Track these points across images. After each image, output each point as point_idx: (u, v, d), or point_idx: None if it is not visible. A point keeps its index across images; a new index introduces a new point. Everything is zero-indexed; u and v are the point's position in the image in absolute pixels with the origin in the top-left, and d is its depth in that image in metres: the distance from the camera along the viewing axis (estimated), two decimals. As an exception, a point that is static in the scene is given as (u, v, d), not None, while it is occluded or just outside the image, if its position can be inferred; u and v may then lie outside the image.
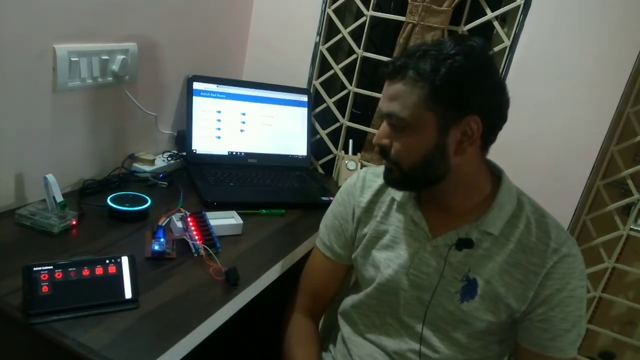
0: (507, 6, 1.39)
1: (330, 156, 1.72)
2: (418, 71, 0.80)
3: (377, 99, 0.99)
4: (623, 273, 1.49)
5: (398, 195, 0.96)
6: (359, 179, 1.03)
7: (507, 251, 0.87)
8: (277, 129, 1.60)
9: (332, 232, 1.04)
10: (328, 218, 1.06)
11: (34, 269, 0.80)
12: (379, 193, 1.00)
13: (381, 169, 0.95)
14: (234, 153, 1.52)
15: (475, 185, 0.89)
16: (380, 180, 0.99)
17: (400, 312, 0.94)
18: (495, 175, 0.92)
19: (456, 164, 0.84)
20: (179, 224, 1.06)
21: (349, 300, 1.04)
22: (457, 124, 0.81)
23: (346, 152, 1.63)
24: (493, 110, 0.83)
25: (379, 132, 0.88)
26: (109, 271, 0.85)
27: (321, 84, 1.67)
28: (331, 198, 1.27)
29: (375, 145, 0.89)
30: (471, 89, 0.80)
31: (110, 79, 1.23)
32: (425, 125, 0.81)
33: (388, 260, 0.94)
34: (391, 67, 0.83)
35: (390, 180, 0.91)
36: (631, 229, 1.41)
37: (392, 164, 0.87)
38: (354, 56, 1.59)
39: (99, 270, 0.84)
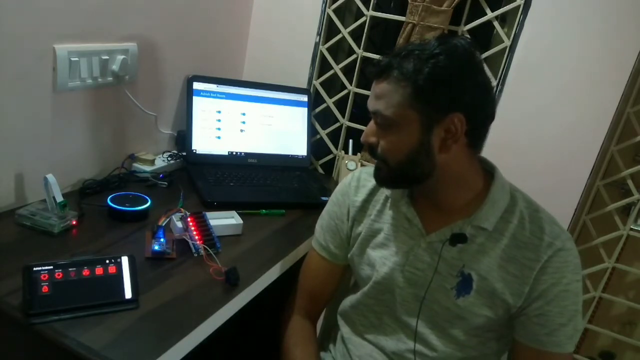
0: (507, 6, 1.39)
1: (330, 156, 1.72)
2: (401, 71, 0.81)
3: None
4: (623, 273, 1.49)
5: (391, 193, 0.97)
6: (354, 178, 1.04)
7: (501, 246, 0.87)
8: (277, 129, 1.60)
9: (327, 232, 1.04)
10: (324, 218, 1.07)
11: (34, 269, 0.80)
12: (373, 192, 1.01)
13: None
14: (234, 153, 1.52)
15: (466, 181, 0.90)
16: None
17: (398, 310, 0.95)
18: (489, 172, 0.93)
19: (442, 161, 0.85)
20: (179, 224, 1.06)
21: (348, 301, 1.04)
22: (441, 122, 0.81)
23: (346, 152, 1.63)
24: (477, 108, 0.83)
25: (366, 130, 0.90)
26: (109, 271, 0.85)
27: (321, 84, 1.67)
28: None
29: (363, 144, 0.90)
30: (454, 87, 0.80)
31: (110, 79, 1.23)
32: (409, 123, 0.82)
33: (383, 259, 0.95)
34: (376, 67, 0.85)
35: (380, 178, 0.92)
36: (631, 229, 1.41)
37: (380, 162, 0.89)
38: (354, 56, 1.59)
39: (99, 270, 0.84)
